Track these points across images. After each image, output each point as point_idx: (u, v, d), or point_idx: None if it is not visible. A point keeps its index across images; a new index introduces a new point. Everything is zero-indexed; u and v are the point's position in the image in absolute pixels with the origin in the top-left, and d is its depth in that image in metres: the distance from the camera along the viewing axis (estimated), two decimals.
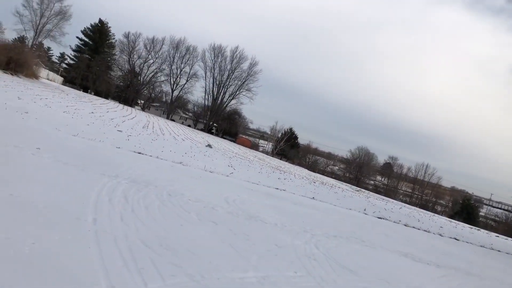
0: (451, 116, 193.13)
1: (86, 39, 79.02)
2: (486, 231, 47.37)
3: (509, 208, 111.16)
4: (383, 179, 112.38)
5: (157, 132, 33.62)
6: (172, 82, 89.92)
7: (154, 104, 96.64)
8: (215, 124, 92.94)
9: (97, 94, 72.55)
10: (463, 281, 9.36)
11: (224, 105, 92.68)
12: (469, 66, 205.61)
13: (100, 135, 16.71)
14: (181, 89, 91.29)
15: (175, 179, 11.58)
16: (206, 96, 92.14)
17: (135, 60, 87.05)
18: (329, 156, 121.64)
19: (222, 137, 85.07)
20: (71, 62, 78.96)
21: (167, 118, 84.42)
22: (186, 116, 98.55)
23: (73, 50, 78.66)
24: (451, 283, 8.74)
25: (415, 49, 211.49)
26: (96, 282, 3.84)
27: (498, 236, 41.00)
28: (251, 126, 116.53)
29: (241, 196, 12.21)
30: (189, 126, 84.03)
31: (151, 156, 15.50)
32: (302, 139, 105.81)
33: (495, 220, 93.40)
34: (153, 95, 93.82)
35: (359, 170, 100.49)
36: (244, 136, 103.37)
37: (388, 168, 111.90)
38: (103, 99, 61.26)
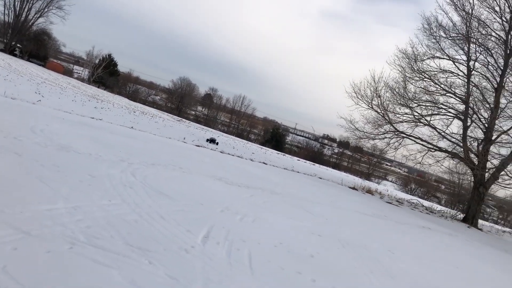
0: (267, 52, 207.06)
1: None
2: (290, 156, 53.97)
3: (309, 136, 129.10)
4: (203, 110, 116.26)
5: None
6: None
7: None
8: (18, 45, 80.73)
9: None
10: (268, 199, 10.60)
11: (30, 23, 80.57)
12: (286, 5, 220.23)
13: None
14: None
15: None
16: (6, 11, 78.36)
17: None
18: (151, 85, 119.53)
19: (28, 60, 74.81)
20: None
21: None
22: None
23: None
24: (258, 201, 9.84)
25: None
26: None
27: (299, 160, 47.17)
28: (64, 50, 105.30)
29: (51, 125, 11.22)
30: None
31: None
32: (123, 67, 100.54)
33: (298, 146, 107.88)
34: None
35: (181, 100, 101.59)
36: (55, 61, 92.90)
37: (208, 99, 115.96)
38: None
